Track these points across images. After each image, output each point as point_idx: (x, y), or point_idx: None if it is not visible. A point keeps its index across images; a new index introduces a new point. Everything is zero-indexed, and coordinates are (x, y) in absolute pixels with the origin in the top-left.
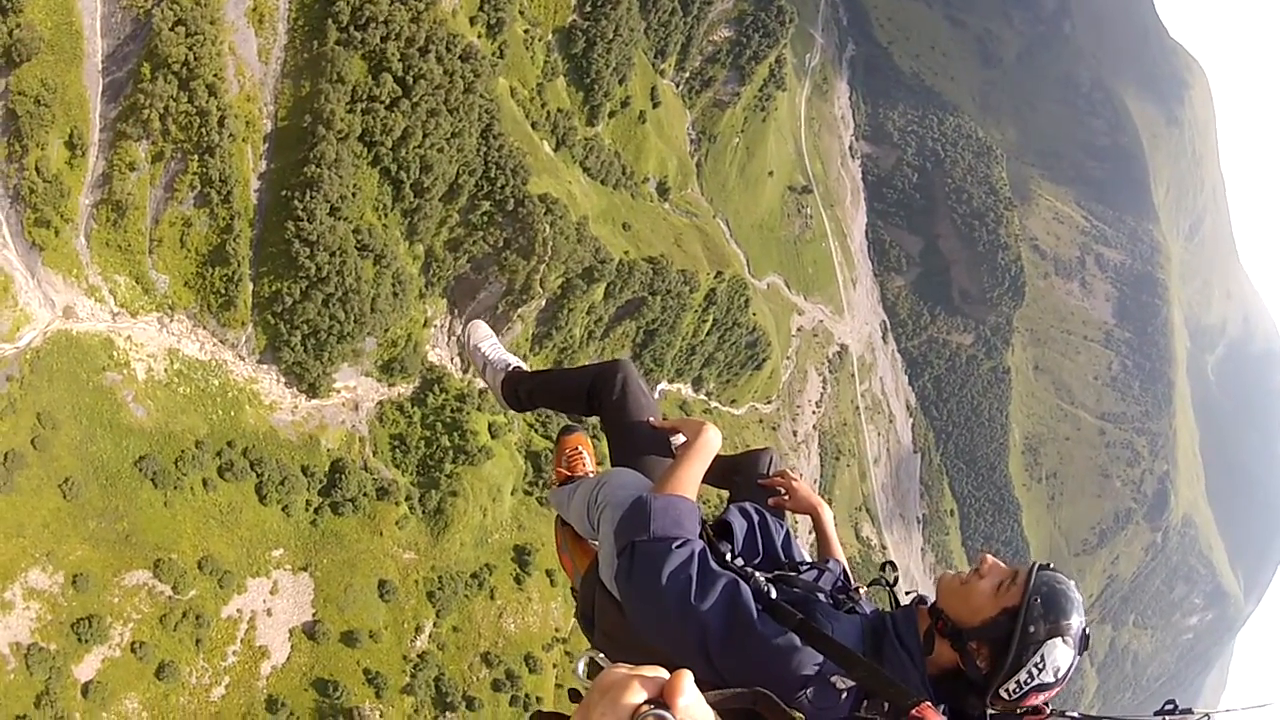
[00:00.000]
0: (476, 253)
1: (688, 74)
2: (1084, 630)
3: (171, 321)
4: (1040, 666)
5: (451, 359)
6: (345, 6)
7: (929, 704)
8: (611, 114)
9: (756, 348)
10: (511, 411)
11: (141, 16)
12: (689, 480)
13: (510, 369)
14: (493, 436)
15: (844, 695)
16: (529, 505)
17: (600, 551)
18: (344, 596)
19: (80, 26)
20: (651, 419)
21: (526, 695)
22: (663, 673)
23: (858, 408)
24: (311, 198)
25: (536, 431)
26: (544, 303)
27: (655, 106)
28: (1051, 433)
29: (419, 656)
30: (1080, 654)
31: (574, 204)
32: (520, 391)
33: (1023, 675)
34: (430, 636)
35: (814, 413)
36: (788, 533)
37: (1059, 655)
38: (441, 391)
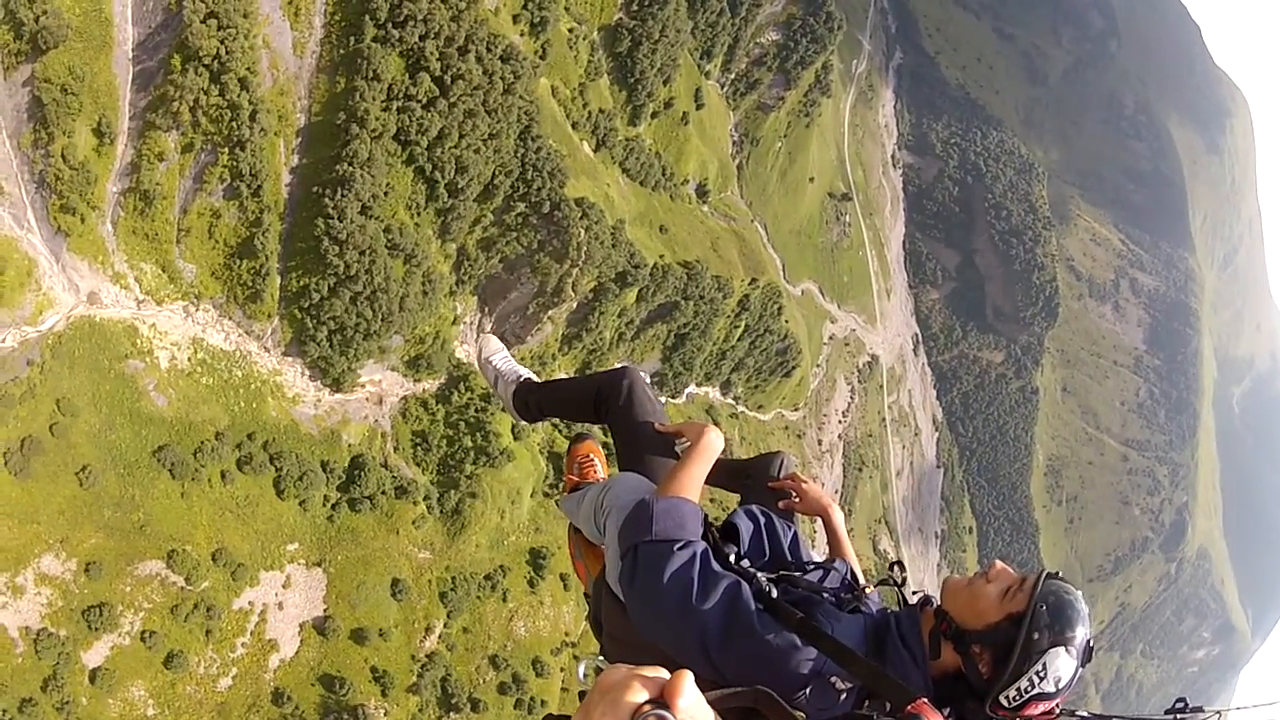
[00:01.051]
0: (509, 253)
1: (733, 75)
2: (1088, 642)
3: (197, 311)
4: (1041, 675)
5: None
6: (384, 3)
7: (926, 701)
8: (654, 114)
9: (787, 355)
10: (523, 423)
11: (173, 6)
12: (691, 482)
13: (521, 380)
14: (515, 438)
15: (844, 695)
16: (547, 508)
17: (606, 555)
18: (356, 593)
19: (110, 14)
20: (657, 424)
21: (532, 699)
22: (663, 673)
23: (884, 419)
24: (343, 196)
25: (560, 432)
26: (575, 305)
27: (699, 108)
28: (1075, 456)
29: (427, 657)
30: (1083, 666)
31: (611, 207)
32: (530, 402)
33: (1023, 683)
34: (440, 637)
35: (840, 422)
36: (796, 534)
37: (1061, 665)
38: (467, 390)
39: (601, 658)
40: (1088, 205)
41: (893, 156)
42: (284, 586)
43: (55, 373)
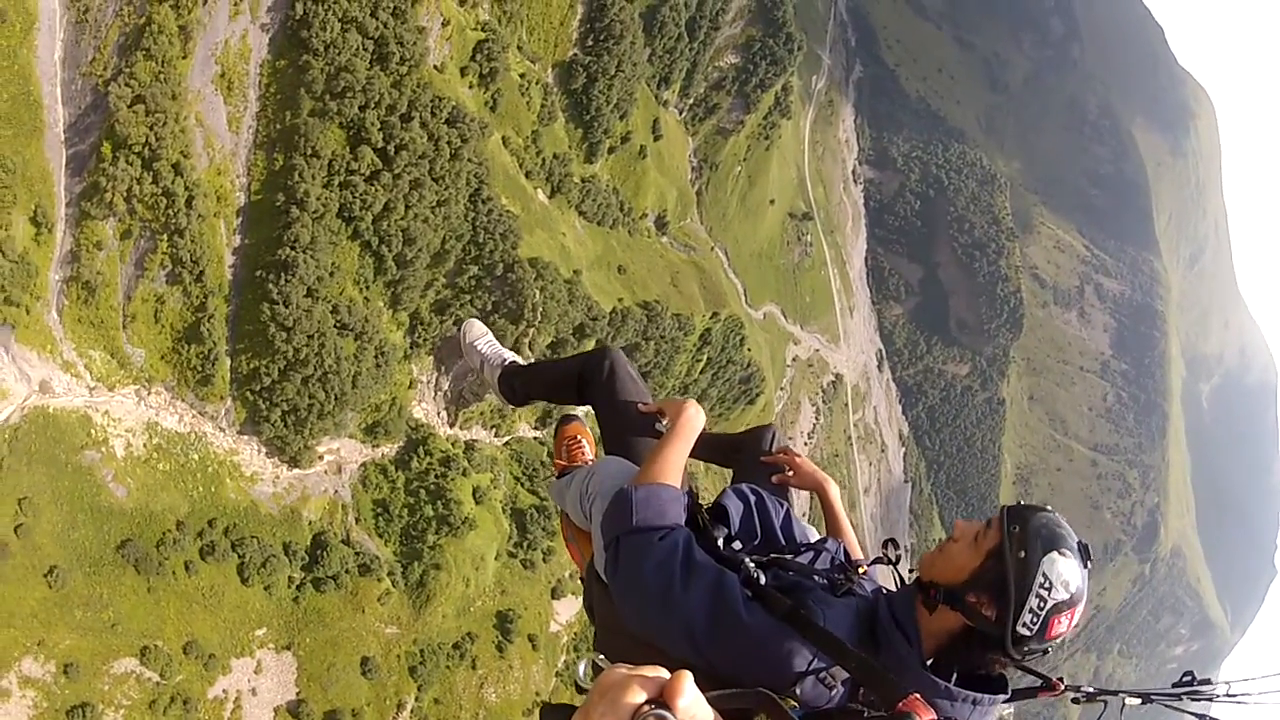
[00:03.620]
0: (464, 316)
1: (691, 100)
2: (1079, 541)
3: (149, 394)
4: (1047, 586)
5: (438, 413)
6: (319, 75)
7: (918, 697)
8: (611, 150)
9: (750, 383)
10: (510, 406)
11: (101, 87)
12: (671, 464)
13: (506, 364)
14: (477, 502)
15: (836, 686)
16: (512, 569)
17: (594, 542)
18: (327, 675)
19: (39, 95)
20: (641, 404)
21: None
22: (663, 673)
23: (850, 437)
24: (286, 281)
25: (523, 486)
26: (533, 360)
27: (657, 139)
28: (1043, 463)
29: None
30: (1085, 565)
31: (566, 257)
32: (515, 385)
33: (1033, 601)
34: (412, 711)
35: (806, 444)
36: (788, 512)
37: (1062, 568)
38: (426, 455)
39: (602, 656)
40: (1051, 213)
41: (853, 172)
42: (255, 672)
43: (14, 469)
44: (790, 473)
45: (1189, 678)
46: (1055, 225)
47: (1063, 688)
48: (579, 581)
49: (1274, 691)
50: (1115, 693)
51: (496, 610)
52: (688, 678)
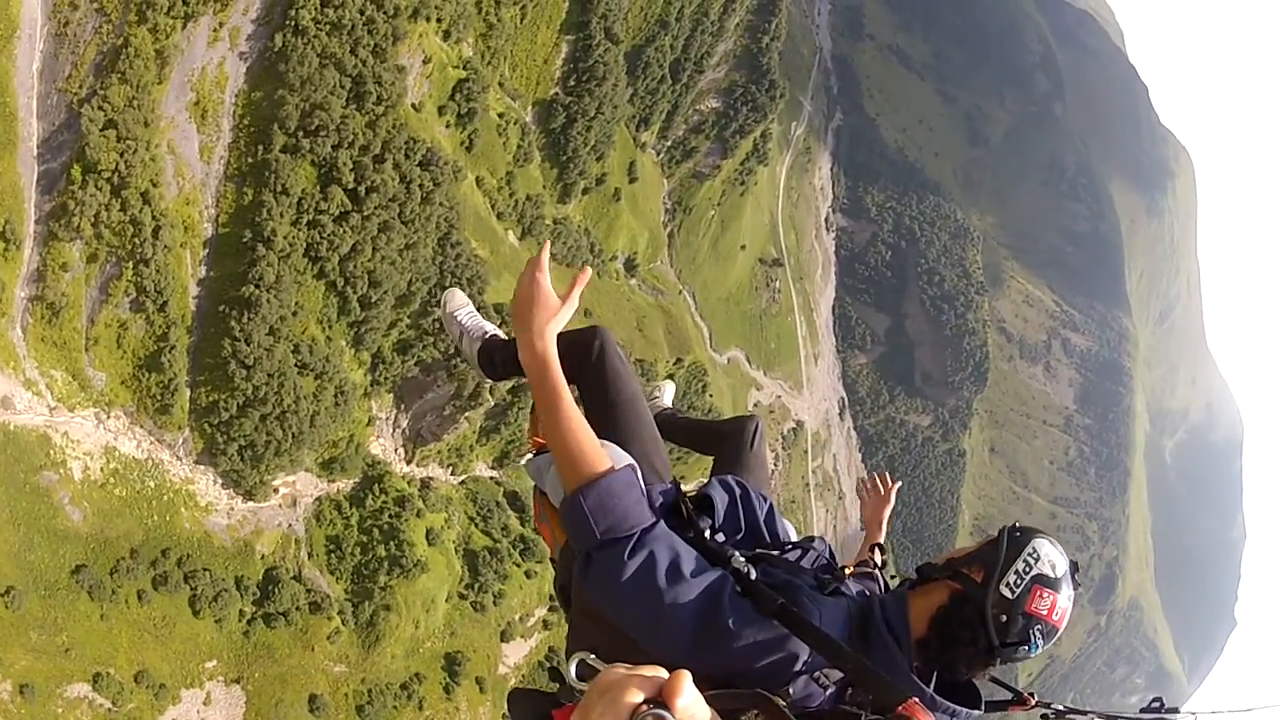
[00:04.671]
0: (426, 358)
1: (669, 143)
2: (1070, 562)
3: (109, 418)
4: (1035, 556)
5: (396, 449)
6: (294, 110)
7: (917, 702)
8: (585, 191)
9: None
10: (489, 380)
11: (75, 105)
12: (579, 441)
13: (487, 337)
14: (430, 544)
15: (829, 687)
16: (463, 610)
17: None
18: (274, 711)
19: (15, 108)
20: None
21: None
22: (661, 672)
23: (808, 484)
24: (249, 319)
25: (477, 526)
26: (493, 404)
27: (632, 182)
28: (1002, 515)
29: None
30: (1072, 574)
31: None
32: (496, 359)
33: (1019, 565)
34: None
35: None
36: (771, 507)
37: (1049, 551)
38: (381, 492)
39: (593, 655)
40: (1022, 267)
41: (826, 220)
42: (205, 704)
43: None
44: (875, 497)
45: (1158, 702)
46: (1026, 280)
47: (1034, 702)
48: (550, 563)
49: None
50: (1085, 713)
51: (445, 652)
52: (687, 678)
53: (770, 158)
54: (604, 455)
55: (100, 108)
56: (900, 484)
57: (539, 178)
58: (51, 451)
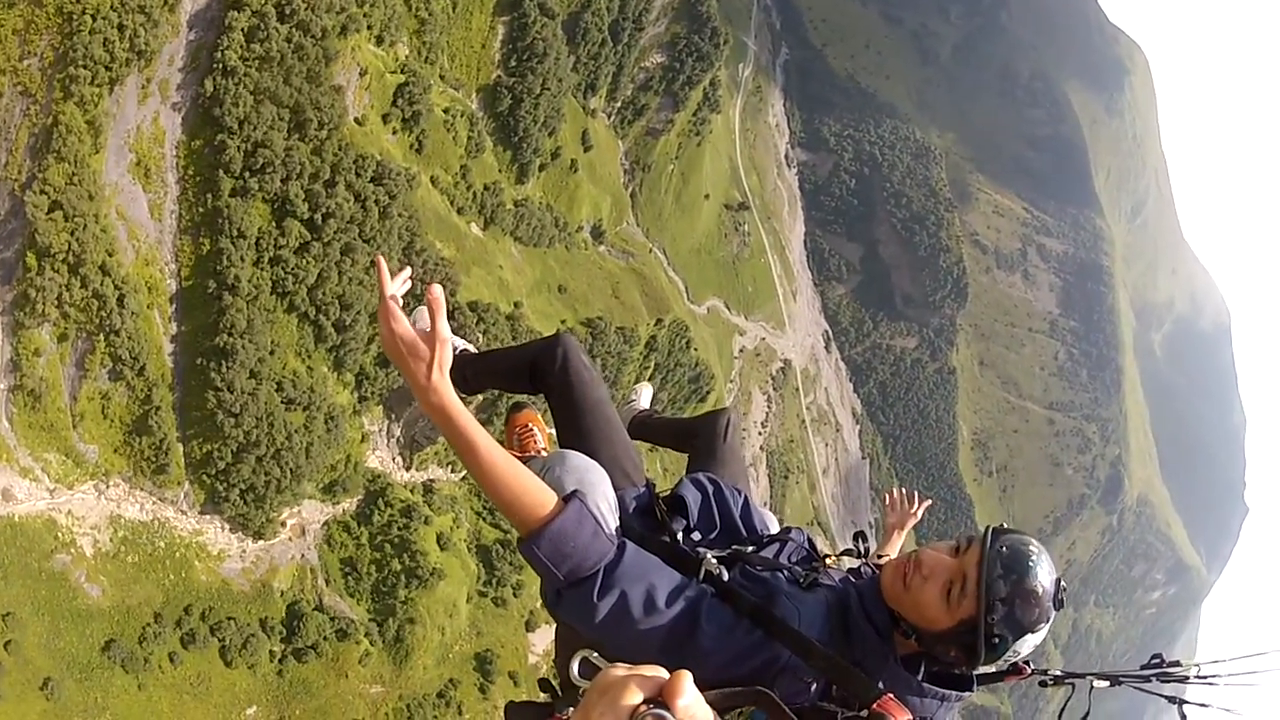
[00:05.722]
0: None
1: (619, 104)
2: (1057, 598)
3: (108, 488)
4: (1016, 651)
5: (394, 458)
6: (236, 153)
7: (892, 697)
8: (542, 168)
9: (699, 381)
10: (461, 394)
11: (17, 192)
12: (511, 487)
13: (458, 352)
14: (442, 549)
15: (812, 685)
16: (485, 608)
17: None
18: None
19: None
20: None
21: None
22: (662, 672)
23: (803, 421)
24: (228, 368)
25: (485, 520)
26: (482, 398)
27: (587, 150)
28: (1000, 426)
29: None
30: (1057, 610)
31: (505, 291)
32: (467, 374)
33: (999, 660)
34: None
35: (760, 434)
36: (746, 501)
37: (1031, 641)
38: (386, 505)
39: (595, 654)
40: (988, 179)
41: (786, 156)
42: None
43: None
44: (902, 512)
45: (1158, 659)
46: (993, 191)
47: (1029, 671)
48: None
49: (1243, 673)
50: (1082, 675)
51: (475, 653)
52: (687, 677)
53: (722, 104)
54: (545, 493)
55: (42, 191)
56: (930, 502)
57: (494, 163)
58: (59, 533)
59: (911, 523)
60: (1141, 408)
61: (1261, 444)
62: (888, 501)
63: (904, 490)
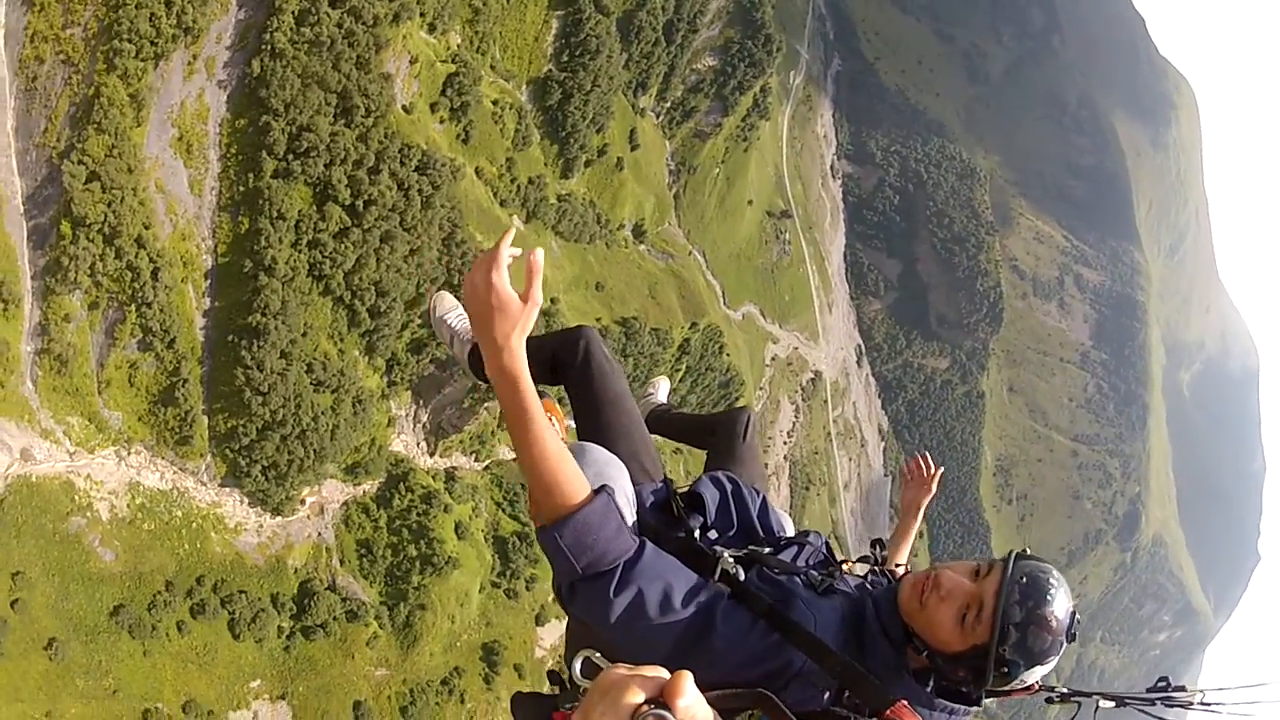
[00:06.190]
0: (440, 355)
1: (669, 104)
2: (1069, 630)
3: (129, 455)
4: (1023, 681)
5: (418, 443)
6: (280, 135)
7: (905, 704)
8: (588, 163)
9: (729, 387)
10: (481, 382)
11: (55, 159)
12: (554, 467)
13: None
14: (459, 537)
15: (824, 691)
16: (496, 599)
17: None
18: None
19: None
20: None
21: None
22: (663, 673)
23: (829, 433)
24: (259, 347)
25: (504, 511)
26: None
27: (634, 149)
28: (1024, 454)
29: None
30: (1069, 643)
31: (544, 287)
32: None
33: (1008, 685)
34: None
35: (785, 443)
36: (764, 501)
37: (1039, 671)
38: (407, 491)
39: (598, 654)
40: (1030, 205)
41: (832, 167)
42: None
43: (4, 543)
44: (916, 483)
45: (1164, 682)
46: (1035, 217)
47: (1037, 687)
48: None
49: (1248, 702)
50: (1089, 694)
51: (482, 642)
52: (688, 678)
53: (771, 111)
54: (579, 482)
55: (80, 161)
56: (943, 469)
57: (540, 157)
58: (76, 496)
59: (928, 497)
60: (1165, 446)
61: None
62: (906, 470)
63: (918, 456)
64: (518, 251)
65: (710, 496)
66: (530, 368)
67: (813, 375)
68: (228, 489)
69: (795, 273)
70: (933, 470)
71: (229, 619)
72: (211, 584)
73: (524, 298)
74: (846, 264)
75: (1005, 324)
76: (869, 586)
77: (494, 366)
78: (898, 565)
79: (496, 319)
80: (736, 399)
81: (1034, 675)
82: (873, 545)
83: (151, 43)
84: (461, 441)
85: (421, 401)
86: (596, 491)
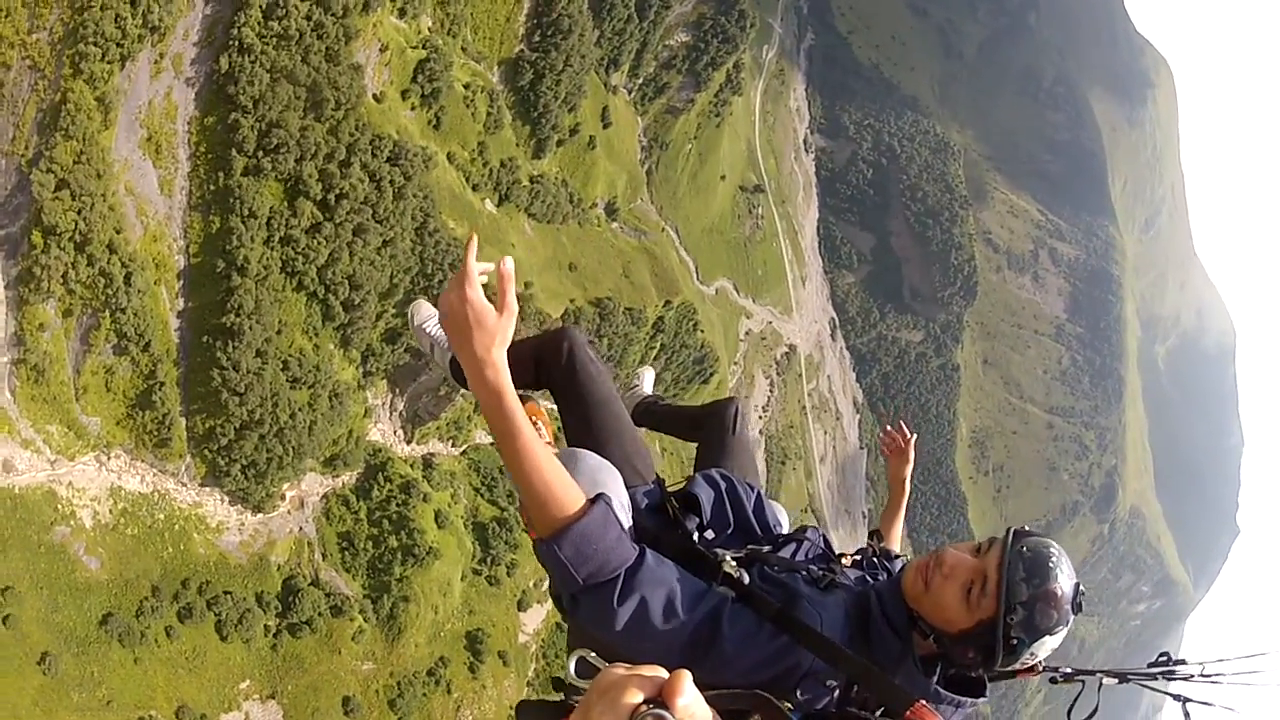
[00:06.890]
0: (415, 344)
1: (641, 80)
2: (1075, 601)
3: (109, 459)
4: (1032, 655)
5: (395, 432)
6: (250, 132)
7: (924, 704)
8: (560, 143)
9: (704, 363)
10: (461, 389)
11: (24, 168)
12: (547, 479)
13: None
14: (439, 526)
15: (835, 690)
16: (478, 586)
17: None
18: (312, 719)
19: None
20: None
21: None
22: (661, 672)
23: (804, 407)
24: (234, 347)
25: (483, 496)
26: None
27: (606, 127)
28: (999, 426)
29: None
30: (1075, 614)
31: (517, 271)
32: None
33: (1015, 665)
34: None
35: (760, 417)
36: (759, 496)
37: (1050, 643)
38: (386, 480)
39: (593, 654)
40: (1005, 180)
41: (804, 141)
42: None
43: None
44: (895, 454)
45: (1164, 657)
46: (1009, 192)
47: (1042, 668)
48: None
49: (1247, 672)
50: (1092, 672)
51: (466, 631)
52: (687, 677)
53: (743, 86)
54: (574, 492)
55: (49, 170)
56: (916, 436)
57: (512, 139)
58: (59, 505)
59: (908, 467)
60: (1141, 419)
61: (1257, 467)
62: (883, 442)
63: (894, 426)
64: (489, 266)
65: (705, 496)
66: (513, 372)
67: (787, 349)
68: (208, 489)
69: (769, 247)
70: (908, 437)
71: (216, 621)
72: (197, 586)
73: (499, 308)
74: (820, 237)
75: (979, 297)
76: (869, 580)
77: (476, 382)
78: (897, 556)
79: (475, 333)
80: (711, 374)
81: (1043, 650)
82: (871, 536)
83: (117, 44)
84: (438, 428)
85: (397, 390)
86: (593, 501)
